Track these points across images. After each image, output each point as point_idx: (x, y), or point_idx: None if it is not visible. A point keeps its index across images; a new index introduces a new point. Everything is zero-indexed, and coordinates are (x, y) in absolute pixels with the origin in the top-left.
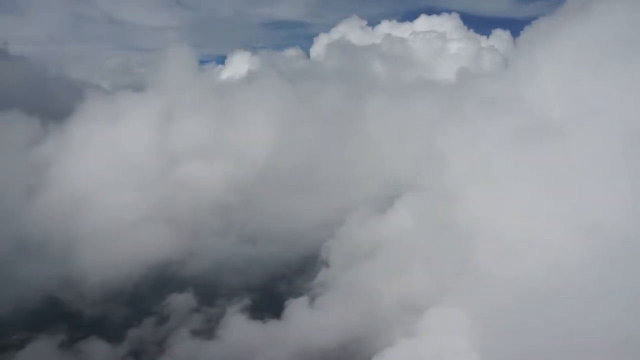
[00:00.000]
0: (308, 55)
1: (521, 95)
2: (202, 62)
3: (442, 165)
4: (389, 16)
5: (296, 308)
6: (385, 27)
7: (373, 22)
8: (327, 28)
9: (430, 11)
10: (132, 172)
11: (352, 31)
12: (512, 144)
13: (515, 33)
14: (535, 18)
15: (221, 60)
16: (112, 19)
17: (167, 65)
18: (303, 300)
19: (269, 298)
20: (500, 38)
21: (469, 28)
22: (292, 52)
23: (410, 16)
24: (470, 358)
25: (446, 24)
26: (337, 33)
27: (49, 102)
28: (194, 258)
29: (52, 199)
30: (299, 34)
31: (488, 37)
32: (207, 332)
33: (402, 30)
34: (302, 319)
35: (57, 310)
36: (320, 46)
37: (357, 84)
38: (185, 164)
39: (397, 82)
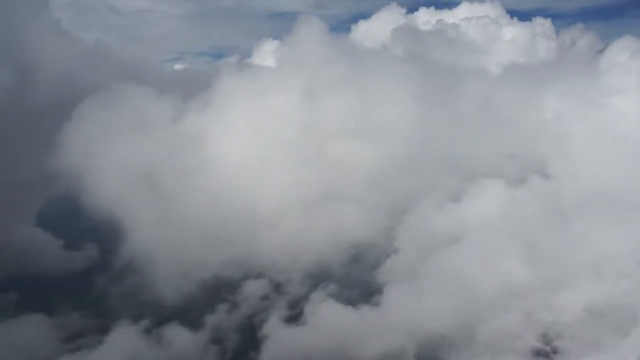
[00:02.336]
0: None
1: None
2: (212, 55)
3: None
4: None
5: (391, 294)
6: (424, 14)
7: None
8: (332, 19)
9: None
10: (286, 150)
11: (393, 18)
12: None
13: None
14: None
15: (229, 51)
16: (113, 10)
17: (299, 39)
18: (398, 286)
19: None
20: (542, 26)
21: (511, 16)
22: None
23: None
24: None
25: (489, 12)
26: (378, 20)
27: (172, 81)
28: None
29: (210, 179)
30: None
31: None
32: (294, 318)
33: (443, 17)
34: (399, 305)
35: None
36: (359, 34)
37: (437, 68)
38: (334, 141)
39: (477, 66)
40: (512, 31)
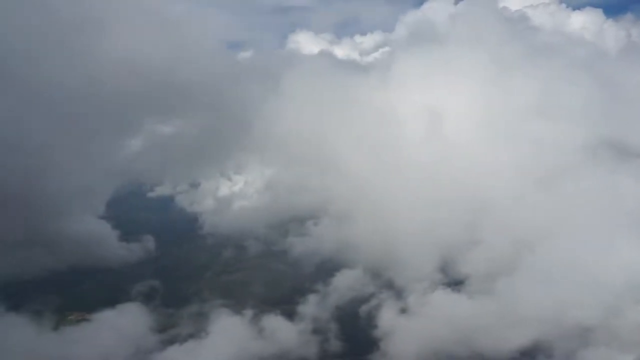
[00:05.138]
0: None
1: None
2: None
3: None
4: None
5: (504, 283)
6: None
7: None
8: (336, 12)
9: None
10: (483, 128)
11: (441, 8)
12: None
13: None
14: None
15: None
16: None
17: (471, 16)
18: (510, 276)
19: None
20: (596, 15)
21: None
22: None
23: None
24: None
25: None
26: (427, 10)
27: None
28: None
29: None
30: (308, 20)
31: None
32: (403, 309)
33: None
34: (519, 295)
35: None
36: (405, 26)
37: (551, 51)
38: (526, 121)
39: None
40: (579, 19)
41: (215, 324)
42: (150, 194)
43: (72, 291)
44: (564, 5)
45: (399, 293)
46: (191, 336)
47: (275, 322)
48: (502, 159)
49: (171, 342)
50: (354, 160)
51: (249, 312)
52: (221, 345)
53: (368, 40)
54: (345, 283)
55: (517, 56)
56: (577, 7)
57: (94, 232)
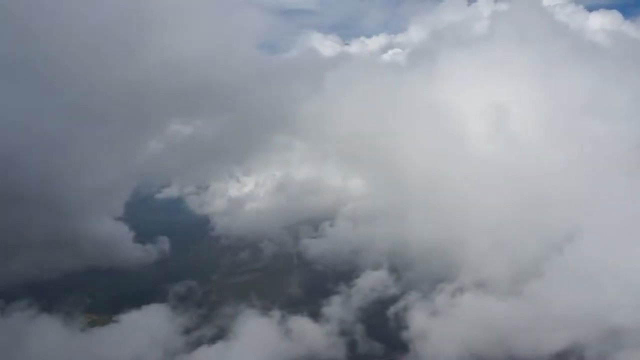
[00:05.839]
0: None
1: None
2: None
3: None
4: None
5: (535, 285)
6: (485, 4)
7: None
8: (339, 15)
9: None
10: (536, 127)
11: (455, 9)
12: None
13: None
14: None
15: None
16: None
17: (514, 14)
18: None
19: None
20: (612, 16)
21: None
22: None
23: None
24: None
25: (556, 1)
26: (440, 11)
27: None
28: None
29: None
30: (311, 23)
31: None
32: (433, 311)
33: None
34: (551, 297)
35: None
36: (419, 27)
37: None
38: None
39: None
40: (597, 20)
41: (241, 325)
42: (158, 196)
43: (91, 293)
44: (580, 6)
45: (425, 294)
46: (218, 338)
47: (301, 324)
48: (554, 157)
49: (198, 344)
50: (394, 157)
51: (274, 314)
52: (249, 347)
53: (373, 43)
54: (368, 284)
55: (562, 54)
56: (592, 9)
57: (112, 234)
